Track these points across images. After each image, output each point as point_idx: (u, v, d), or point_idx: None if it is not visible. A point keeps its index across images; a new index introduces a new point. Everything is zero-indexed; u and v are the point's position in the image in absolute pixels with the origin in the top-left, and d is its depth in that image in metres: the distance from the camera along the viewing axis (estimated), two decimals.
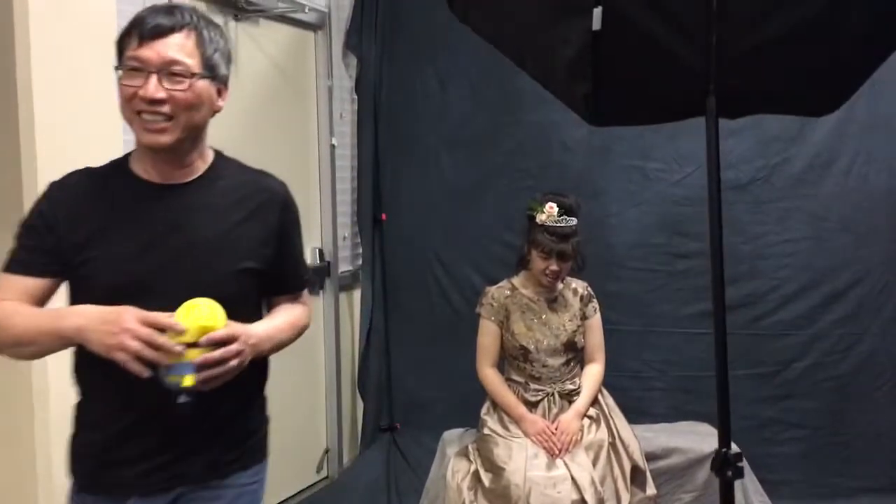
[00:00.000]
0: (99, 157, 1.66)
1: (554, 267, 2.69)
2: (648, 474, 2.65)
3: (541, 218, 2.70)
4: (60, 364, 1.61)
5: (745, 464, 2.76)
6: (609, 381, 2.85)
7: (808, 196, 3.36)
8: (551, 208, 2.69)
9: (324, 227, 3.84)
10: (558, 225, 2.67)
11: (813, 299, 3.36)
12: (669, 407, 3.47)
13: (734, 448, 2.75)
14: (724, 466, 1.59)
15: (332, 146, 3.84)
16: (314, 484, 3.80)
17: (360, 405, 4.04)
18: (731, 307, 3.42)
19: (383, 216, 3.96)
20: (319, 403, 3.88)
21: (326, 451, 3.90)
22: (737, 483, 2.71)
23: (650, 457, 2.70)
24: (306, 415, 3.78)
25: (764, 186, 3.38)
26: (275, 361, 3.49)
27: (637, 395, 3.49)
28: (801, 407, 3.37)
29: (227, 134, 3.33)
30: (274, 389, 3.51)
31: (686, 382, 3.51)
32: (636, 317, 3.53)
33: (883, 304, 3.30)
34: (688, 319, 3.50)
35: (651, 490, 2.64)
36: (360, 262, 4.07)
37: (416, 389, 3.96)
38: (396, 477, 3.74)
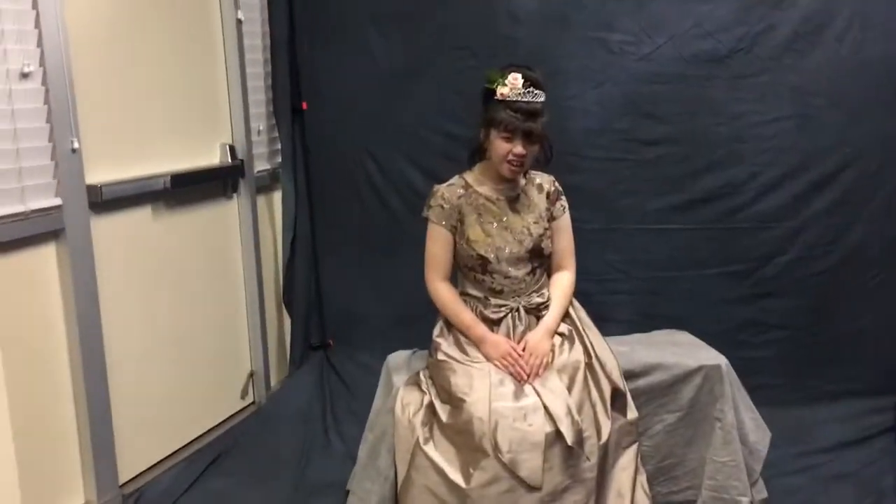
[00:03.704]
0: None
1: (519, 150, 2.23)
2: (629, 395, 2.29)
3: (502, 91, 2.22)
4: None
5: (732, 375, 2.49)
6: None
7: (794, 68, 2.94)
8: (515, 80, 2.21)
9: (234, 120, 3.29)
10: (524, 99, 2.20)
11: (797, 186, 3.00)
12: (636, 312, 3.13)
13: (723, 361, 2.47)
14: None
15: (239, 21, 3.24)
16: (240, 411, 3.38)
17: (287, 322, 3.59)
18: (706, 199, 3.08)
19: (304, 105, 3.43)
20: (240, 322, 3.41)
21: (251, 375, 3.47)
22: (726, 397, 2.42)
23: (629, 375, 2.35)
24: (226, 336, 3.33)
25: (745, 59, 2.94)
26: (189, 279, 3.05)
27: (600, 300, 3.11)
28: (781, 306, 3.06)
29: (103, 9, 2.73)
30: (189, 310, 3.06)
31: (653, 284, 3.17)
32: (598, 213, 3.13)
33: (876, 188, 2.96)
34: (655, 214, 3.12)
35: (633, 414, 2.29)
36: (278, 159, 3.54)
37: (349, 303, 3.54)
38: (332, 400, 3.37)
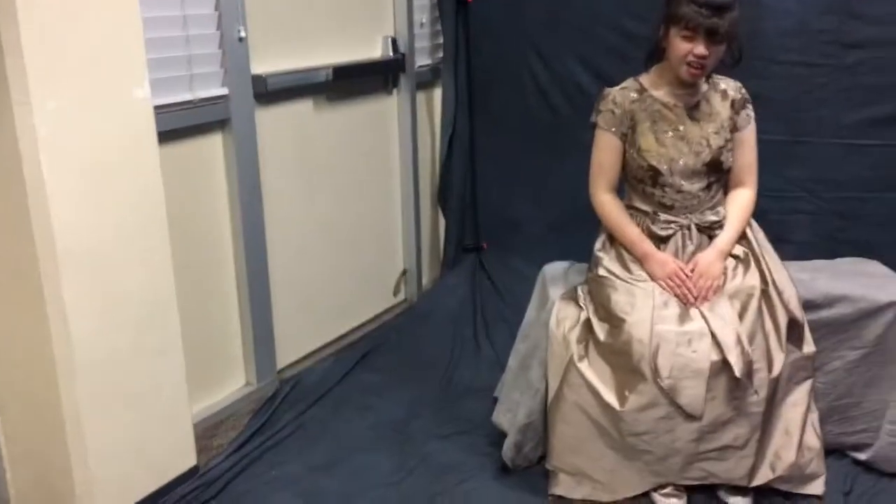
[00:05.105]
0: None
1: (700, 50, 2.01)
2: (806, 328, 2.09)
3: None
4: None
5: None
6: None
7: None
8: None
9: (397, 11, 3.18)
10: None
11: None
12: (818, 235, 2.85)
13: None
14: None
15: None
16: (391, 308, 3.41)
17: (441, 222, 3.55)
18: None
19: None
20: (395, 220, 3.40)
21: (404, 273, 3.47)
22: None
23: (808, 306, 2.13)
24: (381, 232, 3.33)
25: None
26: (347, 173, 3.05)
27: (778, 220, 2.84)
28: None
29: None
30: (346, 204, 3.07)
31: (842, 206, 2.86)
32: (783, 124, 2.82)
33: None
34: (851, 128, 2.78)
35: (809, 347, 2.10)
36: (440, 53, 3.42)
37: (505, 205, 3.44)
38: (482, 303, 3.32)
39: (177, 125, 2.32)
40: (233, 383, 2.70)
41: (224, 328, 2.64)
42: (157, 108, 2.03)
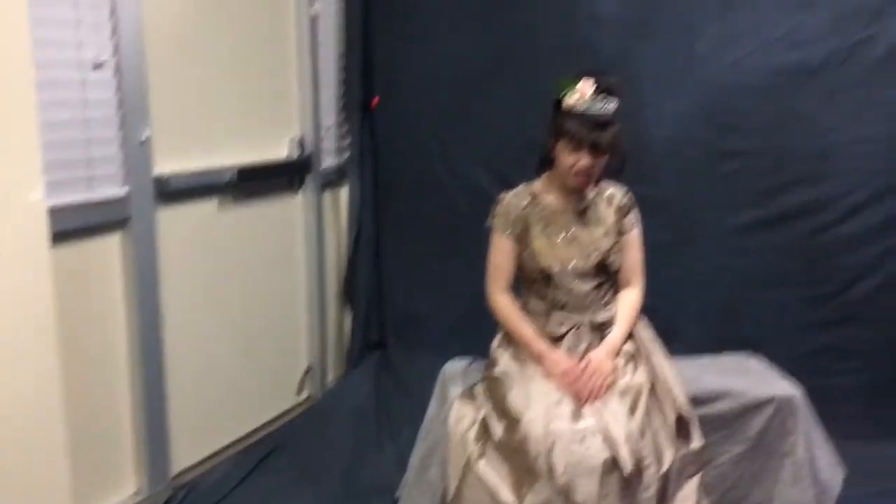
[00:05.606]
0: None
1: (584, 162, 2.13)
2: (695, 423, 2.17)
3: (569, 102, 2.12)
4: None
5: (806, 407, 2.34)
6: None
7: (891, 85, 2.77)
8: (584, 88, 2.10)
9: (304, 114, 3.26)
10: (592, 109, 2.10)
11: (889, 208, 2.82)
12: (705, 332, 3.00)
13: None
14: None
15: (314, 16, 3.20)
16: (294, 407, 3.36)
17: (347, 320, 3.57)
18: (789, 216, 2.93)
19: (374, 101, 3.37)
20: (300, 317, 3.39)
21: (308, 371, 3.44)
22: (799, 432, 2.28)
23: (695, 401, 2.21)
24: (284, 330, 3.31)
25: (838, 72, 2.79)
26: (251, 273, 3.05)
27: (667, 317, 2.95)
28: (865, 334, 2.89)
29: (178, 2, 2.72)
30: (250, 304, 3.06)
31: (726, 303, 3.03)
32: (669, 227, 3.00)
33: None
34: (733, 231, 2.98)
35: (697, 442, 2.16)
36: (346, 155, 3.50)
37: (411, 303, 3.50)
38: (387, 400, 3.31)
39: (74, 225, 2.30)
40: (122, 490, 2.59)
41: (114, 432, 2.55)
42: (54, 208, 2.02)
